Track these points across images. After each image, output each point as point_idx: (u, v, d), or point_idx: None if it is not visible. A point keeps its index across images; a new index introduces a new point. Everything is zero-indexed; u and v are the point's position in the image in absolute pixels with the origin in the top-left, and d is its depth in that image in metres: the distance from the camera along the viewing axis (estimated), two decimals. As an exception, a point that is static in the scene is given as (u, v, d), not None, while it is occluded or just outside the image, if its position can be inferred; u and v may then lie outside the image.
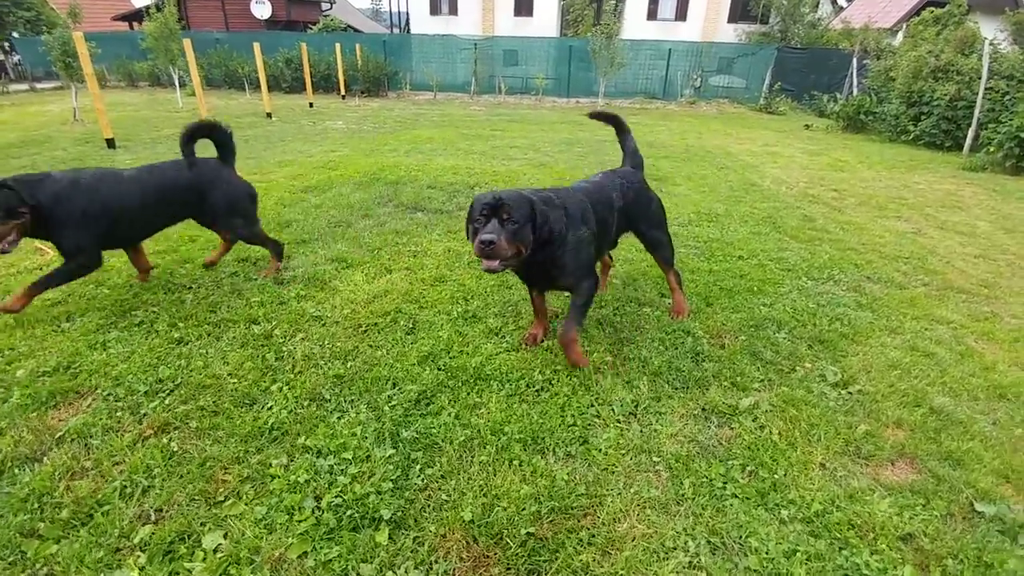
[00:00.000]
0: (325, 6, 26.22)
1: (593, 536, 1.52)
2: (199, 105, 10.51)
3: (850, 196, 5.81)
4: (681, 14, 23.86)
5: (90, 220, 2.60)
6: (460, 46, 19.97)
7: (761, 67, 18.31)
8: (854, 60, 15.23)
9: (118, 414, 1.97)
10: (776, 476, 1.72)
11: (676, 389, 2.20)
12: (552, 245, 2.16)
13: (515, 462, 1.78)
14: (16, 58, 21.45)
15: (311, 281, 3.15)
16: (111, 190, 2.68)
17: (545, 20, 24.64)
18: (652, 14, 23.98)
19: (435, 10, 24.72)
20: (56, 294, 2.89)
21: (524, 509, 1.58)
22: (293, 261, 3.46)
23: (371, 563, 1.42)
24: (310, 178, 5.89)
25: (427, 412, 2.02)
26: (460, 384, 2.19)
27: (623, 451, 1.85)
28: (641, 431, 1.95)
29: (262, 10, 23.55)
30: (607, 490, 1.68)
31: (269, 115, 12.46)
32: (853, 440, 1.91)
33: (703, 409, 2.07)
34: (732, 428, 1.96)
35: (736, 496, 1.63)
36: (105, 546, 1.45)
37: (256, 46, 13.08)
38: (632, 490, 1.67)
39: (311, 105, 15.17)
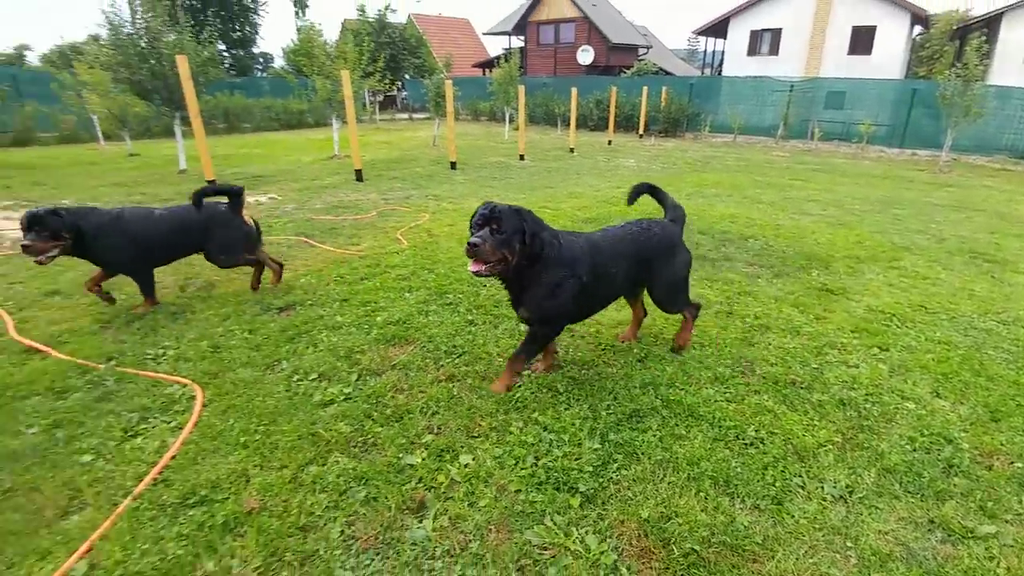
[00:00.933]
0: (642, 51, 28.11)
1: (754, 579, 1.62)
2: (519, 139, 12.73)
3: None
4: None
5: (125, 247, 3.22)
6: (773, 88, 18.97)
7: None
8: None
9: (427, 360, 2.87)
10: (990, 611, 1.49)
11: (907, 492, 2.00)
12: (537, 265, 2.32)
13: (701, 493, 1.96)
14: (404, 94, 29.36)
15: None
16: (142, 225, 3.29)
17: (886, 58, 21.44)
18: (1040, 53, 18.49)
19: (753, 50, 24.02)
20: (404, 271, 4.19)
21: (696, 531, 1.77)
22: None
23: (563, 516, 1.84)
24: (591, 211, 6.66)
25: (636, 427, 2.34)
26: (672, 414, 2.43)
27: (817, 526, 1.83)
28: (846, 516, 1.88)
29: (586, 56, 26.72)
30: (784, 549, 1.73)
31: (571, 150, 14.15)
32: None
33: (931, 520, 1.85)
34: (956, 548, 1.72)
35: (929, 611, 1.49)
36: (405, 438, 2.23)
37: (573, 90, 15.09)
38: (811, 560, 1.68)
39: (609, 143, 16.56)
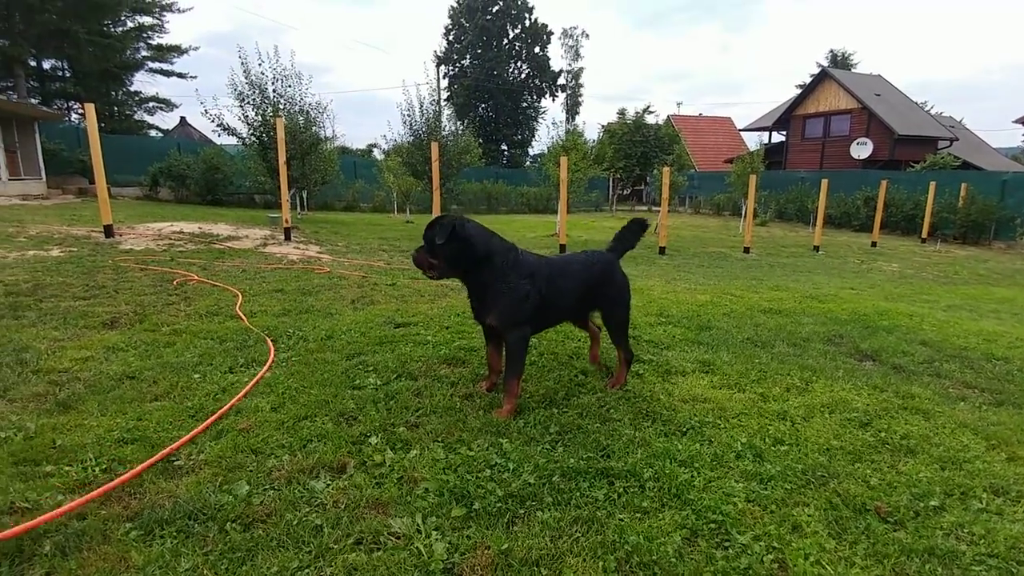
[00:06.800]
0: (942, 144, 23.46)
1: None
2: (746, 230, 11.98)
3: None
4: None
5: None
6: None
7: None
8: None
9: (462, 379, 3.08)
10: None
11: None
12: (488, 269, 2.53)
13: (599, 562, 1.67)
14: (648, 188, 30.40)
15: (658, 368, 3.43)
16: None
17: None
18: None
19: None
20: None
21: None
22: (670, 352, 3.79)
23: (437, 519, 1.81)
24: (787, 303, 5.67)
25: (596, 483, 2.09)
26: (655, 488, 2.08)
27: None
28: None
29: (862, 150, 23.62)
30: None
31: (816, 248, 12.67)
32: None
33: None
34: None
35: None
36: (381, 424, 2.48)
37: (823, 182, 13.55)
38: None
39: (873, 244, 14.30)
